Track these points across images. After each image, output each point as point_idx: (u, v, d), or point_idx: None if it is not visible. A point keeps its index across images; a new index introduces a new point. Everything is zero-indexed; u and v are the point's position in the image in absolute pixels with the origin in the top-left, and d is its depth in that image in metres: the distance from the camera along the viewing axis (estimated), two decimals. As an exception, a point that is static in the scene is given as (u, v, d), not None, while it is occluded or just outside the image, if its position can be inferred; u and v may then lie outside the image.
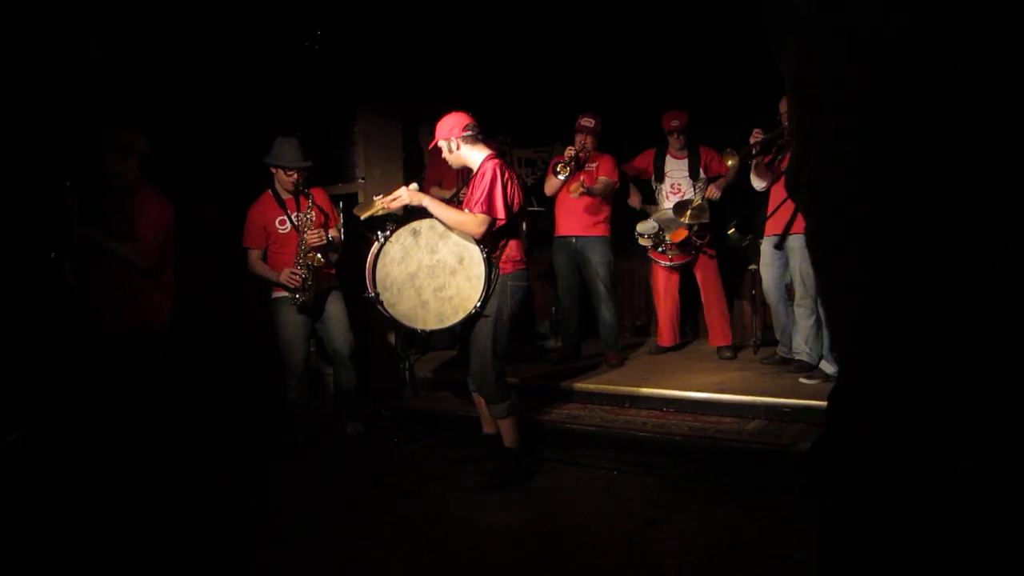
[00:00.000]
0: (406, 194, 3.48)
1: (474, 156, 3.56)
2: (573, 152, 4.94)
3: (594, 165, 5.14)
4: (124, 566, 2.91)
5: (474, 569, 2.79)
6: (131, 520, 3.35)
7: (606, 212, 5.20)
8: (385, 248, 3.48)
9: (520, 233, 3.62)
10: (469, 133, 3.53)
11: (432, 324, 3.50)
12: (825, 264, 1.21)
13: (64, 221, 3.62)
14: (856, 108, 1.08)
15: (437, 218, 3.44)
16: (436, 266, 3.47)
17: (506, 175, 3.46)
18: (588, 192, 4.96)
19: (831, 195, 1.14)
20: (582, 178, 5.00)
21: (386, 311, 3.50)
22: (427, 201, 3.45)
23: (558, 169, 4.94)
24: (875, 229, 1.10)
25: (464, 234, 3.42)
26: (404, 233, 3.50)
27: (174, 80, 4.84)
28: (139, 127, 3.92)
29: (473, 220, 3.36)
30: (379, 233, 3.54)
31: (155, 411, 3.82)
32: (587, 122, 5.05)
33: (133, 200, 3.80)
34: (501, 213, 3.39)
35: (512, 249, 3.54)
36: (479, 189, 3.39)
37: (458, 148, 3.55)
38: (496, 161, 3.48)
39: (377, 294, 3.44)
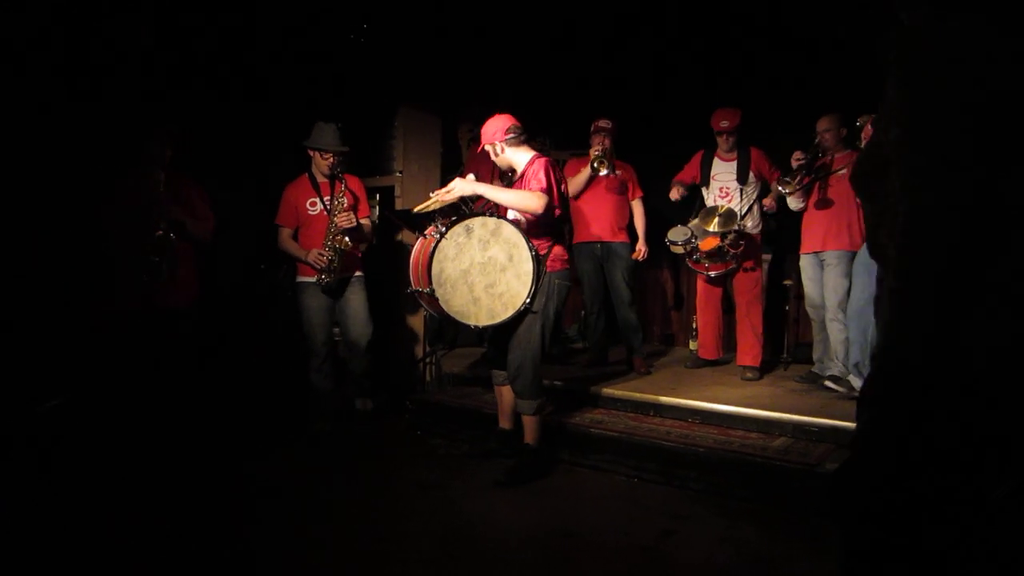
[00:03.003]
0: (459, 186, 3.52)
1: (519, 157, 3.64)
2: (600, 151, 4.88)
3: (618, 171, 5.11)
4: (146, 542, 2.98)
5: (489, 566, 2.80)
6: (157, 500, 3.42)
7: (627, 218, 5.19)
8: (440, 245, 3.47)
9: (565, 233, 3.69)
10: (512, 136, 3.61)
11: (484, 320, 3.52)
12: (914, 271, 1.18)
13: (159, 206, 3.87)
14: (975, 126, 1.07)
15: (495, 200, 3.48)
16: (488, 263, 3.49)
17: (557, 172, 3.55)
18: (611, 169, 4.90)
19: (939, 203, 1.12)
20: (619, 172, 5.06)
21: (441, 308, 3.49)
22: (482, 188, 3.51)
23: (596, 165, 4.88)
24: (982, 237, 1.08)
25: (512, 232, 3.46)
26: (458, 230, 3.50)
27: (219, 69, 4.92)
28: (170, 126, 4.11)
29: (533, 195, 3.42)
30: (437, 225, 3.53)
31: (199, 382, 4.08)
32: (604, 123, 5.01)
33: (185, 189, 4.04)
34: (556, 200, 3.48)
35: (558, 248, 3.61)
36: (534, 179, 3.48)
37: (502, 151, 3.64)
38: (546, 159, 3.55)
39: (432, 290, 3.43)
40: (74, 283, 4.00)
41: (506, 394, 3.89)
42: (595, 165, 4.87)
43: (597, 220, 5.10)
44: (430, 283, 3.45)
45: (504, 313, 3.51)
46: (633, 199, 5.21)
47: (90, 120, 4.23)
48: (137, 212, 3.87)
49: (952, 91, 1.08)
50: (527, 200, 3.43)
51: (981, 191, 1.07)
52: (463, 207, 3.72)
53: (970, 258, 1.08)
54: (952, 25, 1.10)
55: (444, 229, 3.49)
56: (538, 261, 3.49)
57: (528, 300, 3.48)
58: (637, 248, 5.15)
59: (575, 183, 5.07)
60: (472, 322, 3.53)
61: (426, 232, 3.63)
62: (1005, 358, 1.05)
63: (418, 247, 3.65)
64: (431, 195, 3.62)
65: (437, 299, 3.45)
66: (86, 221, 3.98)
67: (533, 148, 3.70)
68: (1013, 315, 1.05)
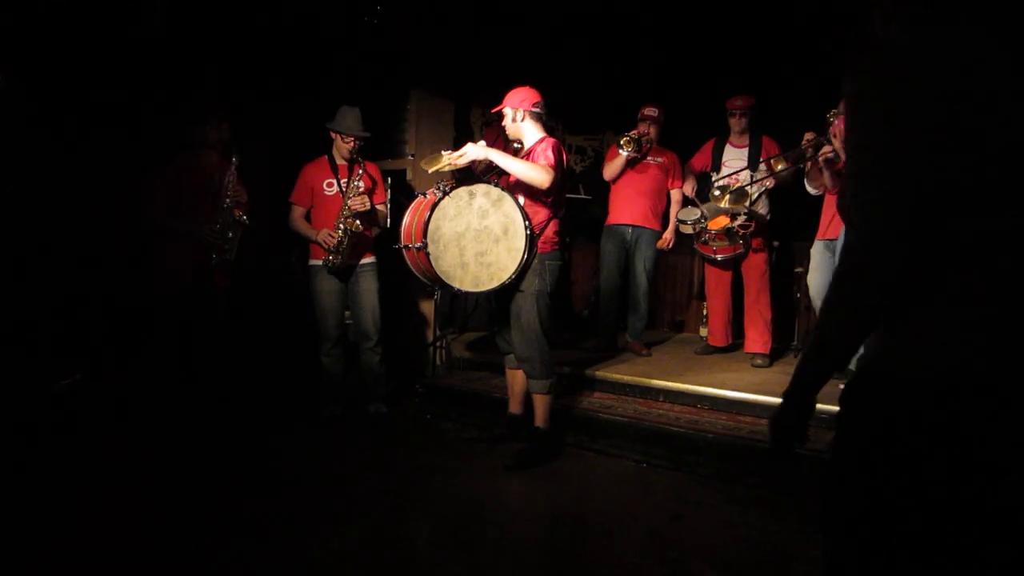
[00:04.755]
0: (472, 150, 3.54)
1: (531, 133, 3.66)
2: (637, 133, 4.92)
3: (660, 159, 5.09)
4: (155, 511, 3.02)
5: (497, 549, 2.82)
6: (166, 471, 3.47)
7: (663, 205, 5.17)
8: (442, 203, 3.51)
9: (561, 215, 3.69)
10: (537, 110, 3.64)
11: (467, 286, 3.56)
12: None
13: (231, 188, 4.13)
14: (940, 138, 1.08)
15: (504, 167, 3.49)
16: (483, 231, 3.52)
17: (563, 153, 3.58)
18: (639, 153, 4.94)
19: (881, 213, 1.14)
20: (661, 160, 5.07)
21: (429, 265, 3.53)
22: (492, 153, 3.51)
23: (621, 143, 4.90)
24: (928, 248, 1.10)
25: (512, 206, 3.47)
26: (462, 192, 3.54)
27: (233, 53, 4.91)
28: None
29: (542, 169, 3.42)
30: (441, 185, 3.59)
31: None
32: (651, 111, 5.01)
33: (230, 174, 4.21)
34: (558, 182, 3.49)
35: (550, 229, 3.63)
36: (542, 155, 3.48)
37: (523, 120, 3.65)
38: (556, 140, 3.56)
39: (425, 244, 3.47)
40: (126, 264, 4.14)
41: (516, 378, 3.90)
42: (621, 143, 4.92)
43: (632, 204, 5.09)
44: (424, 237, 3.48)
45: (488, 283, 3.54)
46: (672, 188, 5.17)
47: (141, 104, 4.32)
48: (201, 193, 4.06)
49: (908, 107, 1.09)
50: (536, 172, 3.42)
51: (923, 220, 1.09)
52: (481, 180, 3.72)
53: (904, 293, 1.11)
54: (921, 40, 1.10)
55: (448, 188, 3.53)
56: (531, 240, 3.50)
57: (513, 276, 3.50)
58: (664, 236, 5.12)
59: (612, 167, 5.07)
60: (456, 285, 3.56)
61: (426, 192, 3.67)
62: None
63: (414, 205, 3.68)
64: (443, 154, 3.61)
65: (428, 255, 3.49)
66: (132, 204, 4.06)
67: (545, 130, 3.72)
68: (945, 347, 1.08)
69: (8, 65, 3.92)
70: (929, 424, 1.09)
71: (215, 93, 4.52)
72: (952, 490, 1.07)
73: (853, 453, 1.20)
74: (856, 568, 1.18)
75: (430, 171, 3.74)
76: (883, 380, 1.17)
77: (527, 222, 3.48)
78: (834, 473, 1.25)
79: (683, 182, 5.13)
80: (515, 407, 3.97)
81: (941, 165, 1.07)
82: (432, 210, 3.48)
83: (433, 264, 3.51)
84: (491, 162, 3.56)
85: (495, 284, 3.53)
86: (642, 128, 4.99)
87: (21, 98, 4.03)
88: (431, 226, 3.49)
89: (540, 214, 3.60)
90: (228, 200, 4.10)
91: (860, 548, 1.16)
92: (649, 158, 5.08)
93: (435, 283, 3.71)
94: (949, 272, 1.09)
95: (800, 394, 1.31)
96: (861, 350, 1.28)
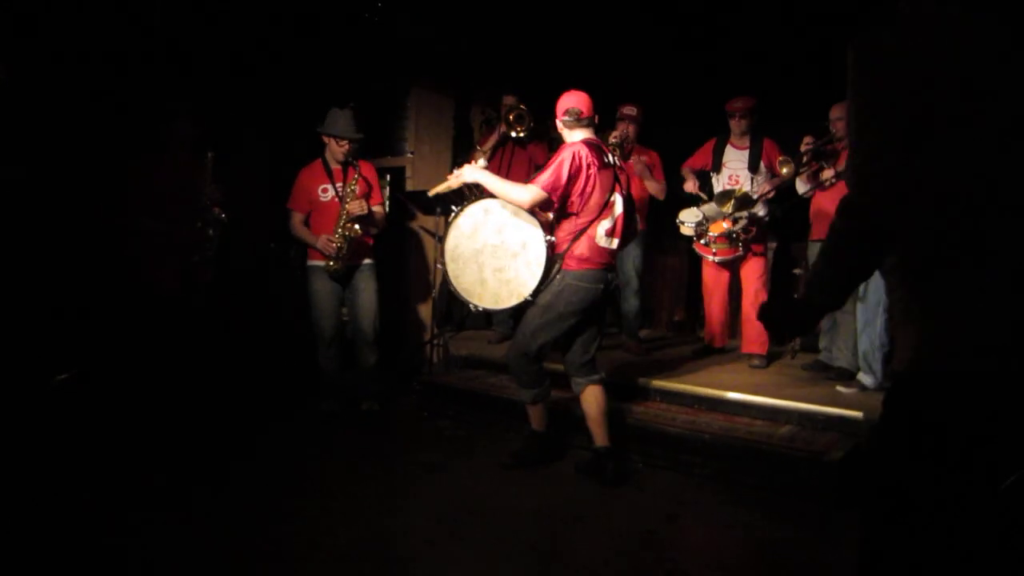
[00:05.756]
0: (467, 173, 3.49)
1: (569, 140, 3.47)
2: (617, 139, 4.85)
3: (644, 158, 5.08)
4: (152, 507, 3.02)
5: (491, 547, 2.82)
6: (164, 468, 3.47)
7: (647, 208, 5.16)
8: (457, 221, 3.56)
9: (596, 231, 3.38)
10: (567, 118, 3.43)
11: (487, 303, 3.56)
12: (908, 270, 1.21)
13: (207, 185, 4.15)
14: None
15: (489, 189, 3.43)
16: (500, 247, 3.50)
17: (582, 162, 3.29)
18: (644, 171, 4.90)
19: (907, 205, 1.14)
20: (643, 159, 5.00)
21: (450, 282, 3.58)
22: (482, 176, 3.45)
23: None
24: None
25: (529, 220, 3.41)
26: (476, 209, 3.56)
27: (232, 50, 4.90)
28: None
29: (521, 189, 3.31)
30: (452, 206, 3.64)
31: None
32: (629, 111, 4.98)
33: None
34: (555, 195, 3.26)
35: (581, 246, 3.37)
36: (548, 167, 3.34)
37: (559, 130, 3.54)
38: (580, 149, 3.32)
39: (443, 263, 3.53)
40: (107, 266, 4.10)
41: (588, 399, 3.58)
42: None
43: None
44: (442, 257, 3.54)
45: (508, 300, 3.50)
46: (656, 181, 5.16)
47: (110, 104, 4.30)
48: (177, 192, 4.02)
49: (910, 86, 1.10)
50: (513, 193, 3.31)
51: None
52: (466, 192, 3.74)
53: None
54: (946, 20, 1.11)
55: (462, 206, 3.56)
56: (551, 254, 3.41)
57: (534, 292, 3.41)
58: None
59: None
60: (475, 302, 3.56)
61: (455, 205, 3.71)
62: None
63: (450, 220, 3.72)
64: (448, 177, 3.61)
65: (447, 273, 3.52)
66: (111, 205, 4.05)
67: (589, 133, 3.47)
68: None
69: (7, 62, 3.91)
70: (965, 421, 1.09)
71: (180, 91, 4.50)
72: (991, 484, 1.07)
73: (894, 451, 1.20)
74: (894, 563, 1.18)
75: (431, 194, 3.79)
76: (918, 378, 1.17)
77: (547, 235, 3.40)
78: (877, 469, 1.25)
79: (665, 178, 5.11)
80: (600, 439, 3.55)
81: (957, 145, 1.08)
82: (448, 228, 3.55)
83: (453, 282, 3.58)
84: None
85: (515, 301, 3.48)
86: (620, 128, 4.93)
87: (21, 93, 4.02)
88: (449, 244, 3.55)
89: (564, 228, 3.42)
90: (207, 200, 4.09)
91: (898, 543, 1.16)
92: (632, 159, 5.03)
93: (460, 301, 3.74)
94: (974, 267, 1.09)
95: (811, 308, 1.43)
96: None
